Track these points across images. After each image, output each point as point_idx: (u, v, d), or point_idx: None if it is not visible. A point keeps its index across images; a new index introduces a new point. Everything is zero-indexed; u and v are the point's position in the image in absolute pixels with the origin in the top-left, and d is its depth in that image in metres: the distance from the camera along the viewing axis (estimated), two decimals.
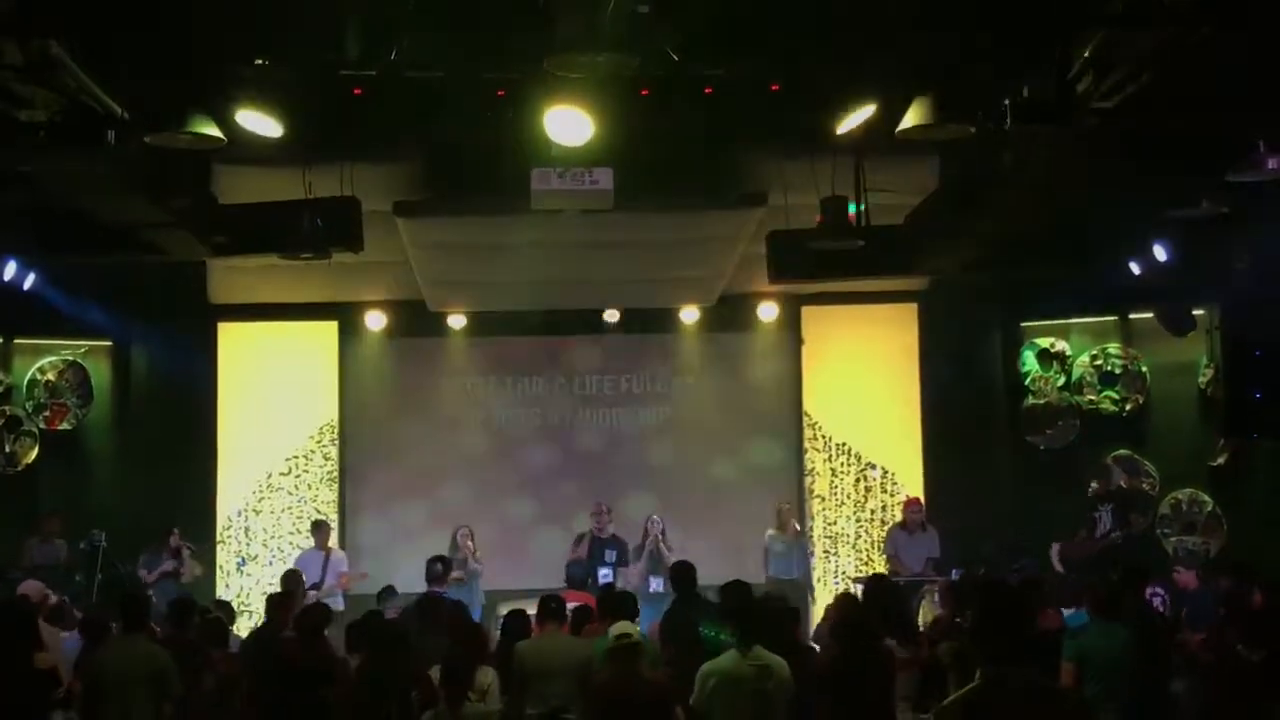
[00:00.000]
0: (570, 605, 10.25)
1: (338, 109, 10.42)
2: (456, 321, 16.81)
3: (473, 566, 14.76)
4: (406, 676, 8.66)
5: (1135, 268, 14.66)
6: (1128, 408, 16.51)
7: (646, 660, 8.25)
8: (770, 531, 15.40)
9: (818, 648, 9.89)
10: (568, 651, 9.19)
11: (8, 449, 16.20)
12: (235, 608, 14.22)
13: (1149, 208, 12.49)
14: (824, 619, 10.46)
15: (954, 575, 13.30)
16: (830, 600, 11.86)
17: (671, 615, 10.10)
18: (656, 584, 13.91)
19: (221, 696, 9.59)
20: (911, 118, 9.05)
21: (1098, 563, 13.75)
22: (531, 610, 9.92)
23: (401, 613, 11.90)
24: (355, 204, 11.98)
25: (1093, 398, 16.58)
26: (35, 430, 16.29)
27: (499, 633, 10.46)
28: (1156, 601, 11.63)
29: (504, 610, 10.92)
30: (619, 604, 9.66)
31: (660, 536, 14.78)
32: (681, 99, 10.61)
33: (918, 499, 15.65)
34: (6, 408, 16.27)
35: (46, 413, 16.37)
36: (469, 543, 14.94)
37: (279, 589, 12.58)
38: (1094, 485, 15.41)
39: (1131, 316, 16.39)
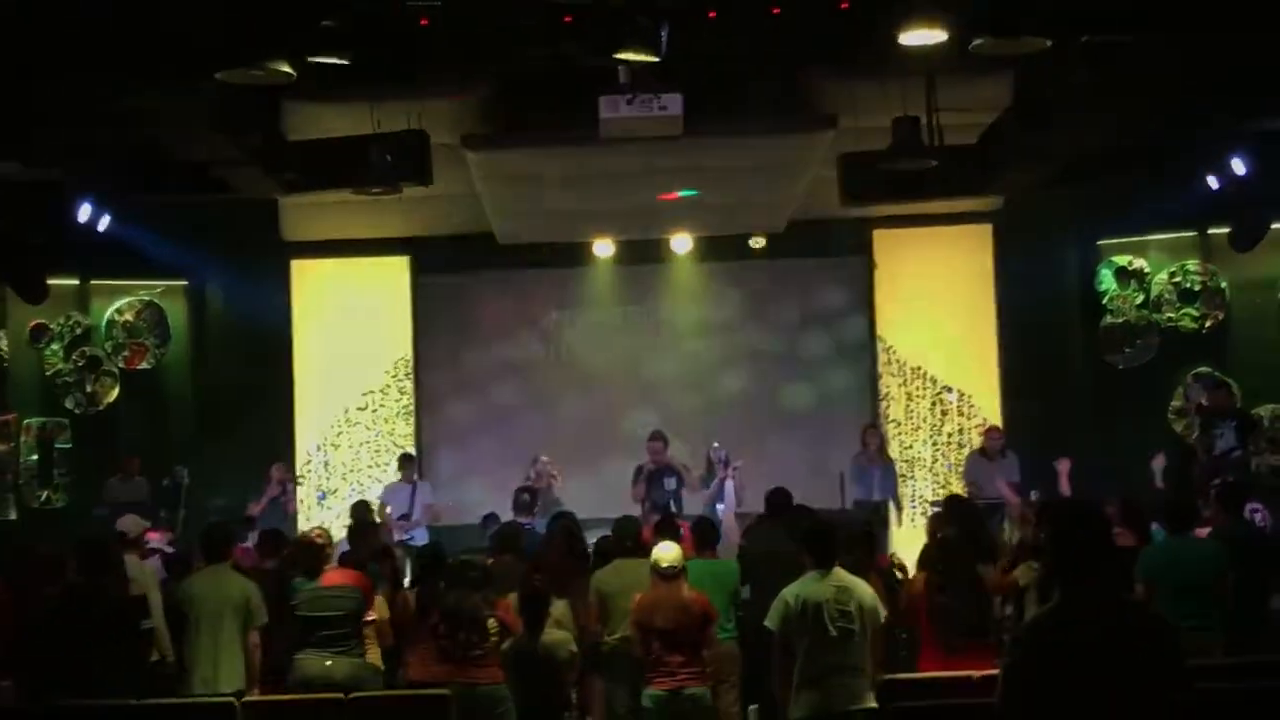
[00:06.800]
0: None
1: (404, 41, 10.39)
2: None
3: (556, 496, 14.50)
4: (483, 605, 8.70)
5: (1213, 182, 14.43)
6: (1207, 324, 16.28)
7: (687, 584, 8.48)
8: (855, 454, 15.19)
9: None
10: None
11: (89, 389, 16.43)
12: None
13: (1227, 120, 12.26)
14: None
15: (1033, 496, 13.16)
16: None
17: (757, 538, 10.14)
18: (721, 510, 13.85)
19: None
20: (985, 32, 8.90)
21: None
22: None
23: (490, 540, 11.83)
24: (424, 137, 11.98)
25: (1171, 315, 16.37)
26: (115, 370, 16.50)
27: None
28: (1258, 518, 11.38)
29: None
30: (700, 531, 9.71)
31: (724, 465, 14.62)
32: (749, 21, 10.50)
33: (997, 427, 15.45)
34: (86, 349, 16.47)
35: (125, 353, 16.58)
36: (552, 471, 14.73)
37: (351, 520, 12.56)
38: (1204, 401, 14.99)
39: (1210, 232, 16.09)
